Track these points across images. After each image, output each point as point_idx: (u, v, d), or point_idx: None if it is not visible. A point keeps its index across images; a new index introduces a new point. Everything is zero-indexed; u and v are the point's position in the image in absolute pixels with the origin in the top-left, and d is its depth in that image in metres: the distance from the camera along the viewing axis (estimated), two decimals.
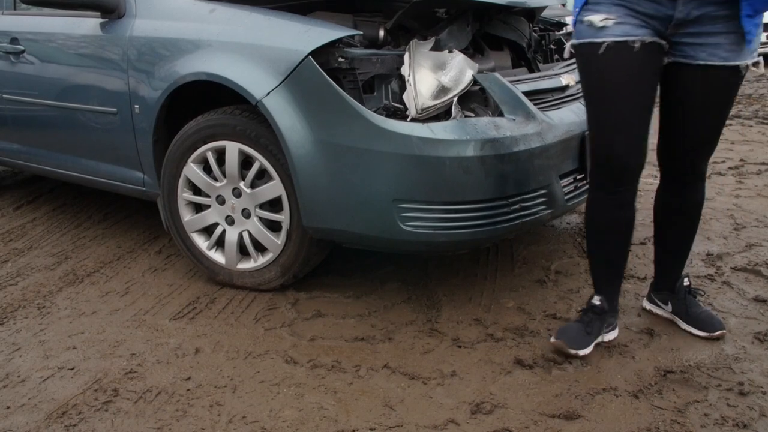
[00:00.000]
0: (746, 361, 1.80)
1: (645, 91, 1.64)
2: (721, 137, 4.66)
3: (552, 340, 1.86)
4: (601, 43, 1.59)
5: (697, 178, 1.84)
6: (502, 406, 1.64)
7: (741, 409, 1.60)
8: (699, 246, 2.62)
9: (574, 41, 1.68)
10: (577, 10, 1.68)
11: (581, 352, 1.82)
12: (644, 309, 2.11)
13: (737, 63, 1.57)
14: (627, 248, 1.88)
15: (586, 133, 2.15)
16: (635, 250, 2.61)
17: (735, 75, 1.61)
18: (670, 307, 2.01)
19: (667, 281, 2.01)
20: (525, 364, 1.82)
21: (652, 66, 1.63)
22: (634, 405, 1.63)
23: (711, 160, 4.05)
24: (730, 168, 3.84)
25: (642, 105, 1.65)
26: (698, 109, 1.69)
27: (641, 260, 2.51)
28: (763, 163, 3.91)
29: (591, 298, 1.90)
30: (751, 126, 5.12)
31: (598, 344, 1.88)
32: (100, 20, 2.47)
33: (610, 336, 1.92)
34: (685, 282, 2.00)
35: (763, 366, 1.77)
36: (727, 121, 5.29)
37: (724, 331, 1.92)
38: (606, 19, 1.57)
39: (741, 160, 4.03)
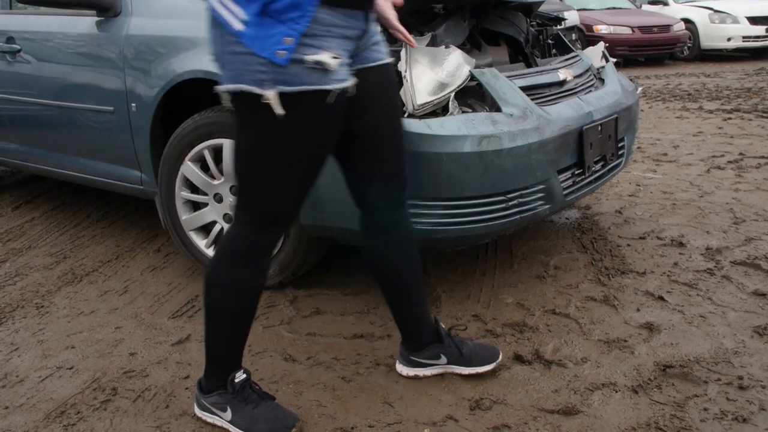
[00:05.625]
0: (746, 355, 1.80)
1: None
2: (721, 131, 4.73)
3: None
4: (328, 91, 1.25)
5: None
6: (501, 402, 1.64)
7: (740, 403, 1.60)
8: (698, 240, 2.62)
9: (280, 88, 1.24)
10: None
11: None
12: (407, 376, 1.76)
13: None
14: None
15: (585, 128, 2.15)
16: (634, 244, 2.60)
17: None
18: (444, 359, 1.75)
19: (426, 332, 1.75)
20: (524, 360, 1.82)
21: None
22: (634, 400, 1.63)
23: (710, 153, 4.11)
24: (730, 162, 3.83)
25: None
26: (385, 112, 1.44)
27: (640, 255, 2.50)
28: (763, 157, 3.91)
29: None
30: (751, 119, 5.11)
31: (598, 340, 1.88)
32: (97, 19, 2.47)
33: None
34: (442, 323, 1.77)
35: (762, 360, 1.77)
36: (726, 115, 5.30)
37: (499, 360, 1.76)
38: (336, 57, 1.20)
39: (740, 153, 4.02)
